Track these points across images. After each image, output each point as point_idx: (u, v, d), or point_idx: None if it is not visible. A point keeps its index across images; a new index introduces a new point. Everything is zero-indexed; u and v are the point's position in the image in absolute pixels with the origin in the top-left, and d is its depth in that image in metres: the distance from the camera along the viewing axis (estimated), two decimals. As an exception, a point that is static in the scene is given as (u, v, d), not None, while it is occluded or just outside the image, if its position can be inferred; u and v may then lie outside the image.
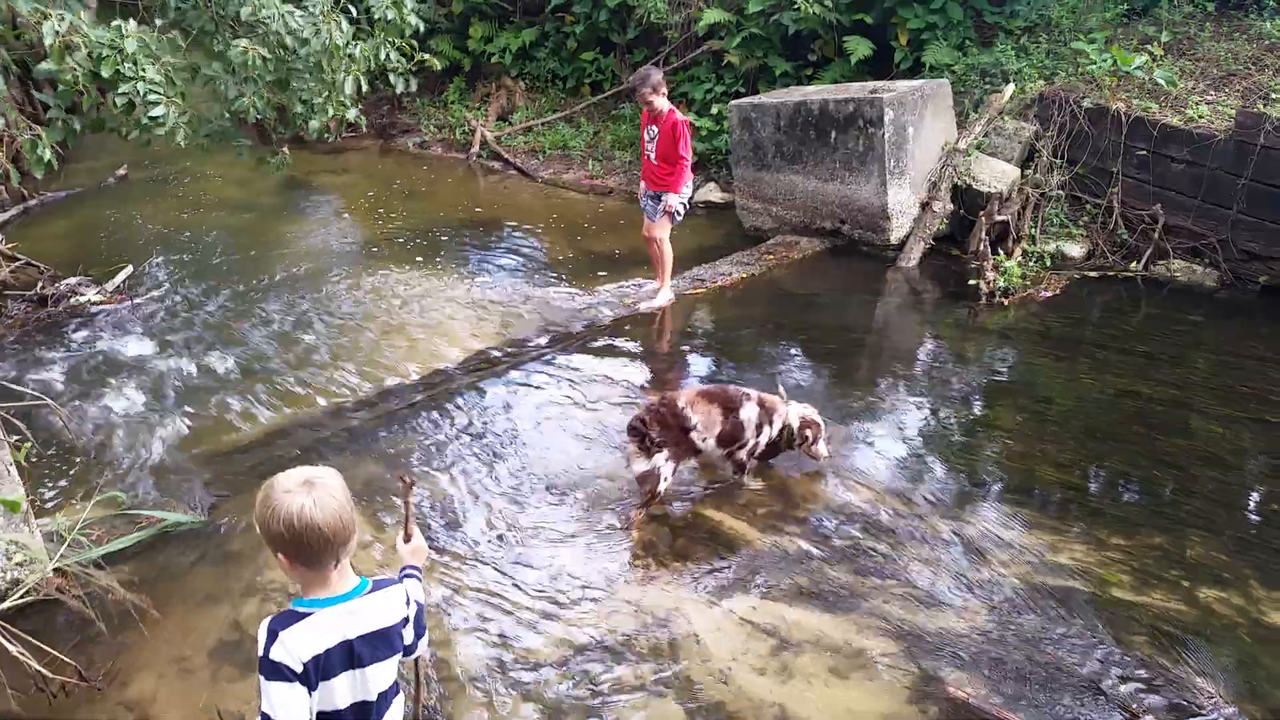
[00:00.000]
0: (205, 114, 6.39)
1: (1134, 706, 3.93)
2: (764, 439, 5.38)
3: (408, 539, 2.84)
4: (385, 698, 2.50)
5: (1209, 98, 8.89)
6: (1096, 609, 4.49)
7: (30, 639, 3.83)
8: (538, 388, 6.68)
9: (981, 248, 8.63)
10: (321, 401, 6.45)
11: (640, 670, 4.08)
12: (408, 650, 2.59)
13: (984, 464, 5.78)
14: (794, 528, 5.10)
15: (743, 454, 5.38)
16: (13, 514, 4.27)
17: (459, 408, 6.36)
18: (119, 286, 8.36)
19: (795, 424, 5.41)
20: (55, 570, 4.36)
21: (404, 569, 2.78)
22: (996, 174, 9.16)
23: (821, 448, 5.45)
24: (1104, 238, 9.01)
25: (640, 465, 5.10)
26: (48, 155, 5.22)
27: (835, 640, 4.25)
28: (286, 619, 2.35)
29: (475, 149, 13.75)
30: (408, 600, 2.55)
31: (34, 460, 4.98)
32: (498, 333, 7.65)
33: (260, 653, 2.31)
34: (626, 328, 7.75)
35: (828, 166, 9.36)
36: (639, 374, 6.98)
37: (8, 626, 3.83)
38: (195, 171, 12.94)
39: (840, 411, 6.36)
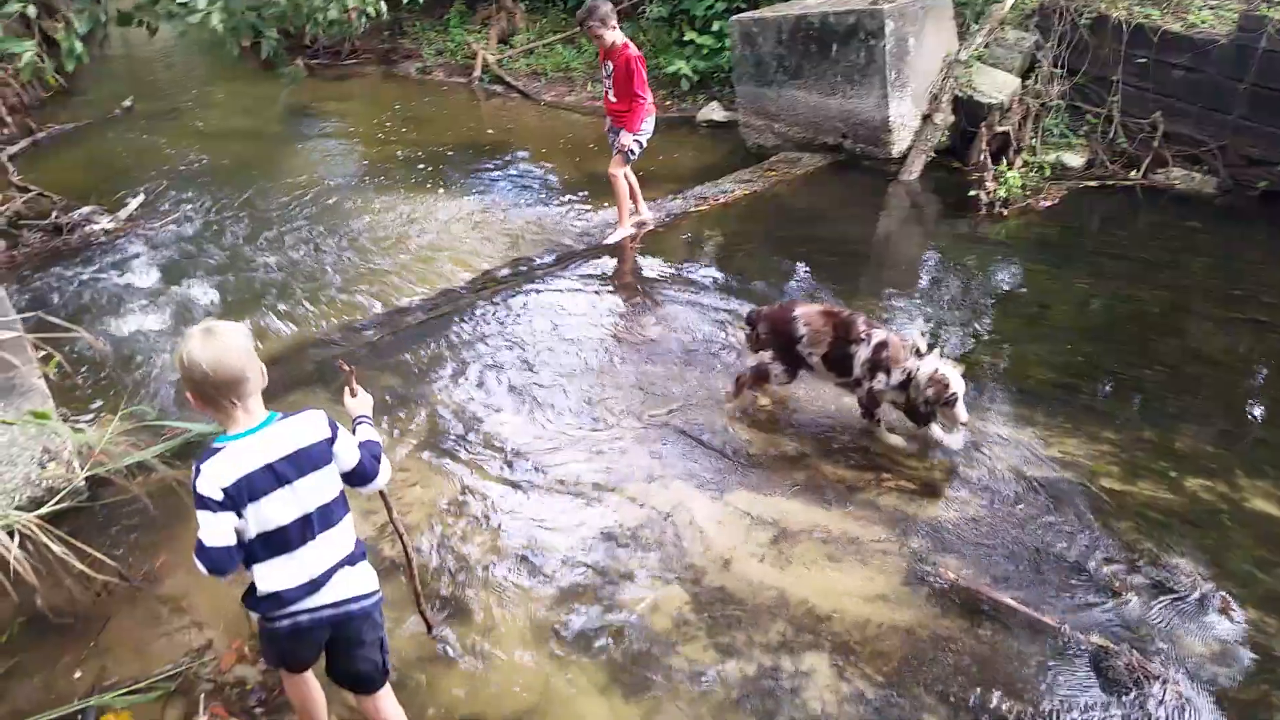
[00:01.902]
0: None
1: (1117, 585, 4.14)
2: (879, 385, 4.92)
3: (354, 395, 3.26)
4: (327, 511, 2.84)
5: (1211, 3, 8.83)
6: (1085, 498, 4.68)
7: (72, 540, 4.06)
8: (545, 304, 6.84)
9: (982, 159, 8.68)
10: (336, 320, 6.64)
11: (646, 559, 4.30)
12: (359, 478, 2.93)
13: (980, 366, 5.93)
14: (793, 429, 5.30)
15: (863, 395, 5.06)
16: (44, 424, 4.47)
17: (469, 324, 6.53)
18: (131, 214, 8.49)
19: (922, 380, 4.76)
20: (88, 478, 4.59)
21: (356, 418, 3.17)
22: (997, 85, 9.15)
23: (960, 410, 4.74)
24: (1104, 147, 9.03)
25: (749, 358, 5.46)
26: (78, 48, 5.28)
27: (831, 530, 4.47)
28: (206, 455, 2.69)
29: (477, 73, 13.71)
30: (331, 425, 2.86)
31: (62, 378, 5.18)
32: (504, 253, 7.79)
33: (191, 488, 2.66)
34: (631, 245, 7.87)
35: (829, 80, 9.36)
36: (643, 289, 7.12)
37: (50, 528, 4.06)
38: (202, 101, 12.98)
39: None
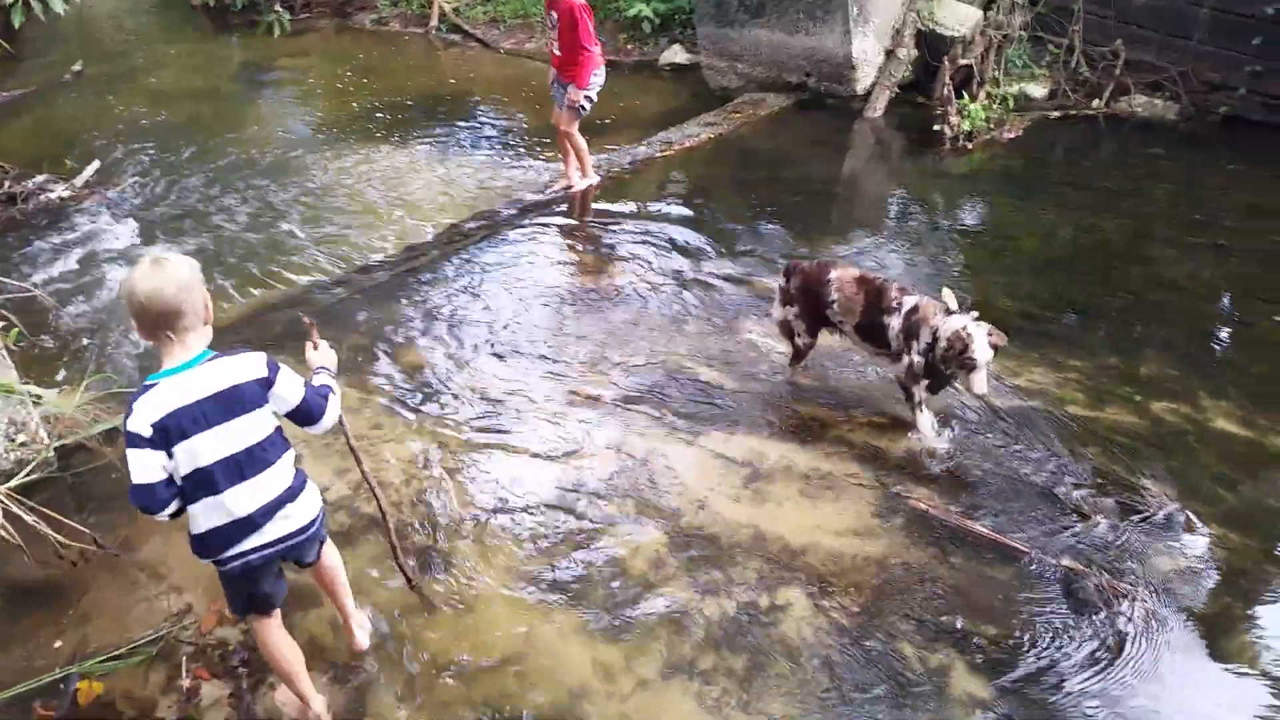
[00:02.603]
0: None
1: (1085, 509, 4.22)
2: (915, 355, 4.55)
3: (315, 348, 3.25)
4: (259, 452, 2.84)
5: (1171, -75, 8.78)
6: (1053, 425, 4.75)
7: (46, 510, 4.03)
8: (510, 257, 6.80)
9: (946, 93, 8.65)
10: (300, 280, 6.56)
11: (624, 505, 4.33)
12: (304, 416, 2.92)
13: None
14: (764, 370, 5.32)
15: (901, 372, 4.69)
16: (9, 396, 4.42)
17: (434, 280, 6.47)
18: (88, 181, 8.31)
19: (944, 334, 4.38)
20: (57, 448, 4.55)
21: (317, 368, 3.17)
22: (960, 17, 9.11)
23: (978, 379, 4.33)
24: (1066, 77, 9.04)
25: (775, 310, 5.20)
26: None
27: (804, 467, 4.51)
28: (140, 391, 2.70)
29: (434, 22, 13.46)
30: (270, 366, 2.85)
31: (23, 347, 5.11)
32: (468, 205, 7.71)
33: (121, 427, 2.70)
34: (596, 194, 7.82)
35: (791, 18, 9.27)
36: (604, 240, 7.08)
37: (23, 499, 4.03)
38: (153, 62, 12.66)
39: (811, 258, 6.53)
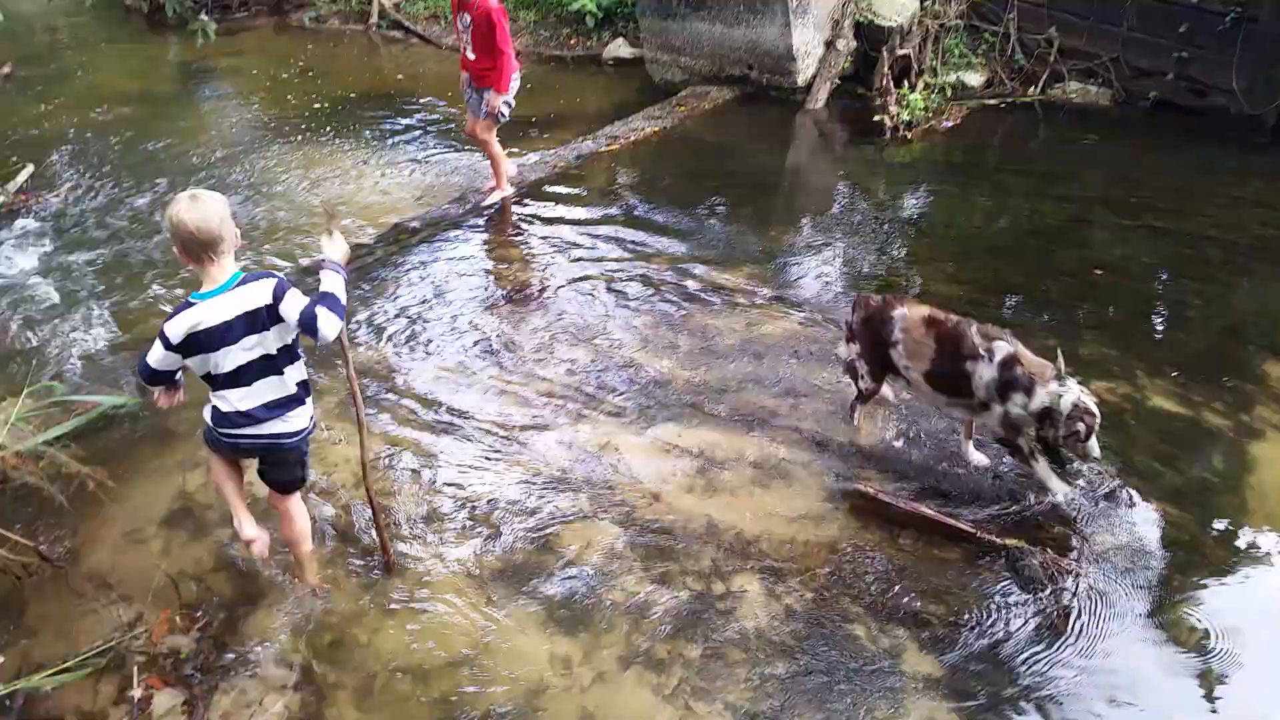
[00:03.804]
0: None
1: (1026, 488, 4.31)
2: (1015, 408, 4.06)
3: (330, 237, 3.64)
4: (267, 362, 3.39)
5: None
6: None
7: (-14, 524, 3.95)
8: (457, 255, 6.76)
9: (885, 83, 8.77)
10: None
11: (577, 500, 4.35)
12: (306, 331, 3.31)
13: (891, 288, 6.06)
14: (714, 360, 5.36)
15: (997, 424, 4.19)
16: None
17: (380, 280, 6.41)
18: (22, 186, 8.11)
19: (1065, 409, 3.93)
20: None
21: (324, 262, 3.54)
22: (897, 8, 9.22)
23: (1094, 446, 3.99)
24: (1002, 65, 9.21)
25: (840, 348, 4.80)
26: None
27: (755, 455, 4.57)
28: (181, 307, 3.29)
29: (374, 19, 13.30)
30: (277, 291, 3.31)
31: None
32: (414, 203, 7.65)
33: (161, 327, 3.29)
34: (544, 190, 7.80)
35: (732, 10, 9.31)
36: (552, 235, 7.07)
37: (-40, 513, 3.95)
38: (87, 65, 12.36)
39: (758, 251, 6.59)
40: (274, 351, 3.39)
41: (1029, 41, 9.15)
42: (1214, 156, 7.92)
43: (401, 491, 4.44)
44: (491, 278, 6.42)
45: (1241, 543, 4.09)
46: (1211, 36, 8.11)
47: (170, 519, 4.35)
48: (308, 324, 3.29)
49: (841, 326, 4.87)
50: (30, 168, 8.42)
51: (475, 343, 5.65)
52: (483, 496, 4.40)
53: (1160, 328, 5.71)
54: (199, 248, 3.23)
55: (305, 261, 6.67)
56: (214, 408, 3.46)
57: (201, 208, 3.20)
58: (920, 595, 3.78)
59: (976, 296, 5.93)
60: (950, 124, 8.63)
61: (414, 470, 4.58)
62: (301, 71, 11.70)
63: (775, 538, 4.07)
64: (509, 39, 6.71)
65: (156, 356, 3.32)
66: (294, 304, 3.30)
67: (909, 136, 8.43)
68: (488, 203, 7.49)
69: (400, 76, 11.40)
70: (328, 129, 9.50)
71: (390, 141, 9.15)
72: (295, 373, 3.49)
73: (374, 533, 3.99)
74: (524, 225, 7.24)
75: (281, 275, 3.39)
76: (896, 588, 3.82)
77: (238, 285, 3.29)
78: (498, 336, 5.71)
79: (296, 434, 3.56)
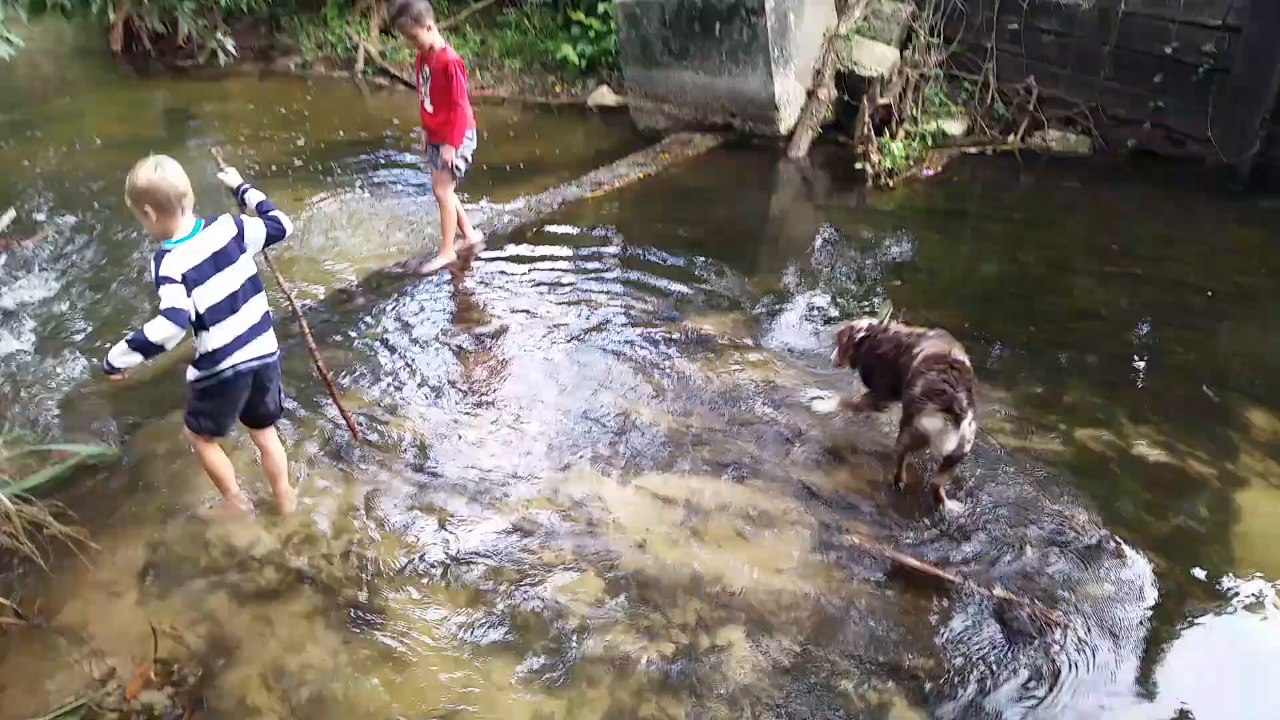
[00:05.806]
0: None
1: (1015, 538, 4.30)
2: None
3: (223, 171, 4.41)
4: (247, 287, 3.99)
5: (1074, -32, 9.15)
6: (980, 457, 4.82)
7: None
8: (440, 301, 6.74)
9: (866, 132, 8.87)
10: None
11: (560, 549, 4.29)
12: (276, 238, 4.15)
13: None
14: (698, 407, 5.34)
15: None
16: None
17: (360, 328, 6.37)
18: (4, 230, 8.07)
19: None
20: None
21: (238, 188, 4.36)
22: (877, 57, 9.35)
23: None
24: (982, 113, 9.33)
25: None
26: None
27: (741, 504, 4.53)
28: (161, 254, 3.75)
29: (360, 66, 13.41)
30: (237, 222, 4.01)
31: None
32: (397, 250, 7.65)
33: (154, 275, 3.73)
34: (528, 235, 7.82)
35: (715, 60, 9.43)
36: (537, 280, 7.06)
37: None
38: (70, 110, 12.39)
39: (743, 298, 6.60)
40: (247, 278, 3.97)
41: (1008, 90, 9.29)
42: (1192, 204, 8.03)
43: (378, 543, 4.37)
44: (470, 325, 6.39)
45: (1228, 591, 4.07)
46: (1186, 86, 8.26)
47: (147, 570, 4.26)
48: (274, 227, 4.08)
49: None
50: (12, 211, 8.38)
51: (455, 391, 5.61)
52: (462, 547, 4.33)
53: (1143, 374, 5.73)
54: (175, 200, 3.75)
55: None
56: (210, 349, 3.90)
57: (168, 167, 3.78)
58: (908, 648, 3.74)
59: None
60: (931, 172, 8.72)
61: (391, 521, 4.52)
62: (287, 118, 11.75)
63: (761, 589, 4.03)
64: (464, 93, 6.66)
65: (174, 298, 3.65)
66: (254, 223, 4.04)
67: (890, 184, 8.50)
68: (428, 269, 7.20)
69: (382, 124, 11.44)
70: (312, 175, 9.52)
71: (373, 187, 9.16)
72: (264, 297, 4.10)
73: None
74: (507, 271, 7.23)
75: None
76: (884, 641, 3.78)
77: (204, 229, 3.87)
78: (477, 386, 5.68)
79: (274, 352, 4.18)
